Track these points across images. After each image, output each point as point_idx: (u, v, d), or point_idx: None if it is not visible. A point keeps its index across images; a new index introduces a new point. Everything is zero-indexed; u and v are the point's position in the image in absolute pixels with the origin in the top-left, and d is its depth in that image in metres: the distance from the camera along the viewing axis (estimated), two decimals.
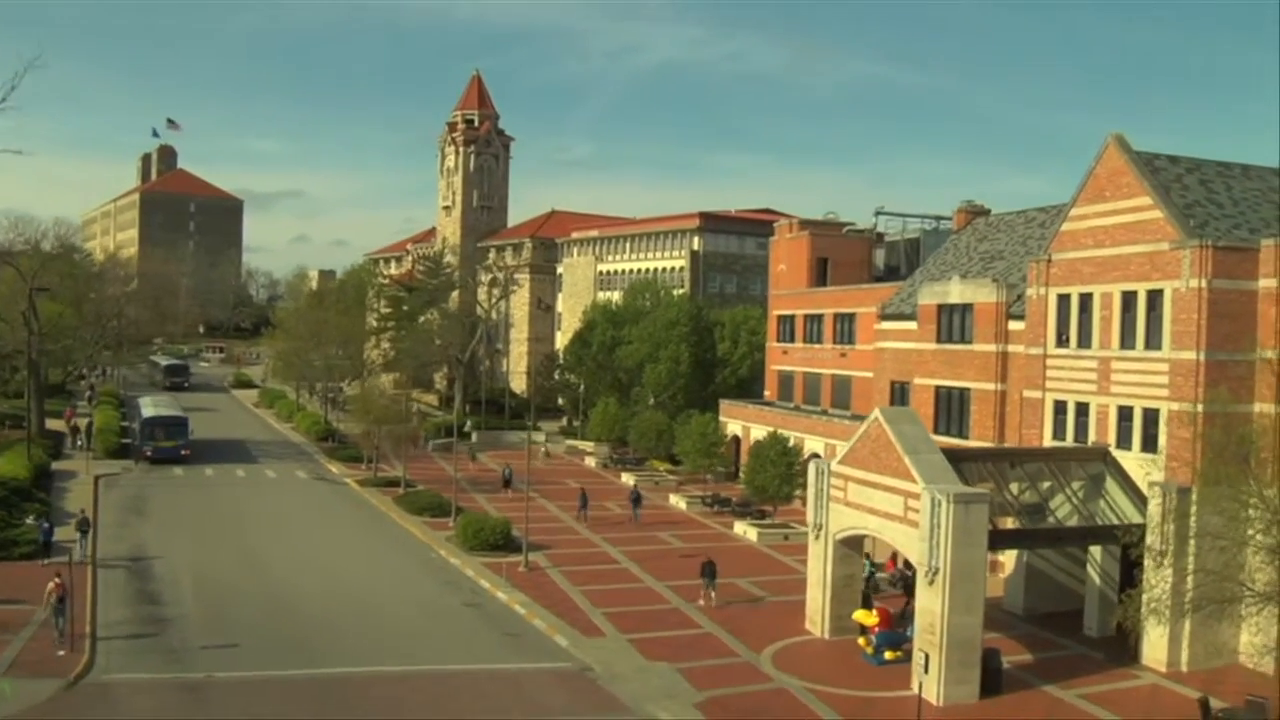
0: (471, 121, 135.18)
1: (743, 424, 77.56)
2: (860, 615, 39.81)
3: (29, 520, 49.62)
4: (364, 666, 36.48)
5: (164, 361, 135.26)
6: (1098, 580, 42.09)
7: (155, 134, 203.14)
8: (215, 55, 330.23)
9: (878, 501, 38.32)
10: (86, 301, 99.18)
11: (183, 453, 76.71)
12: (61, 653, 35.57)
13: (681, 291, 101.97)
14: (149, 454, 76.02)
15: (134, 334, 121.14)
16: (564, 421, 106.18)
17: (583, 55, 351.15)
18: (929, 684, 33.84)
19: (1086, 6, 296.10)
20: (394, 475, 72.27)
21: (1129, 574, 39.11)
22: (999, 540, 38.02)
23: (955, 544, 34.28)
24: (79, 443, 79.42)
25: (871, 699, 34.77)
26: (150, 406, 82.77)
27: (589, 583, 48.37)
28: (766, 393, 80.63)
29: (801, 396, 75.46)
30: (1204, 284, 37.95)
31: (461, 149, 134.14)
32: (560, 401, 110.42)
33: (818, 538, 42.17)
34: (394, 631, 40.89)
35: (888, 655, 38.33)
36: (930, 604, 34.92)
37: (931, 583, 34.90)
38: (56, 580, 37.25)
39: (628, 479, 77.54)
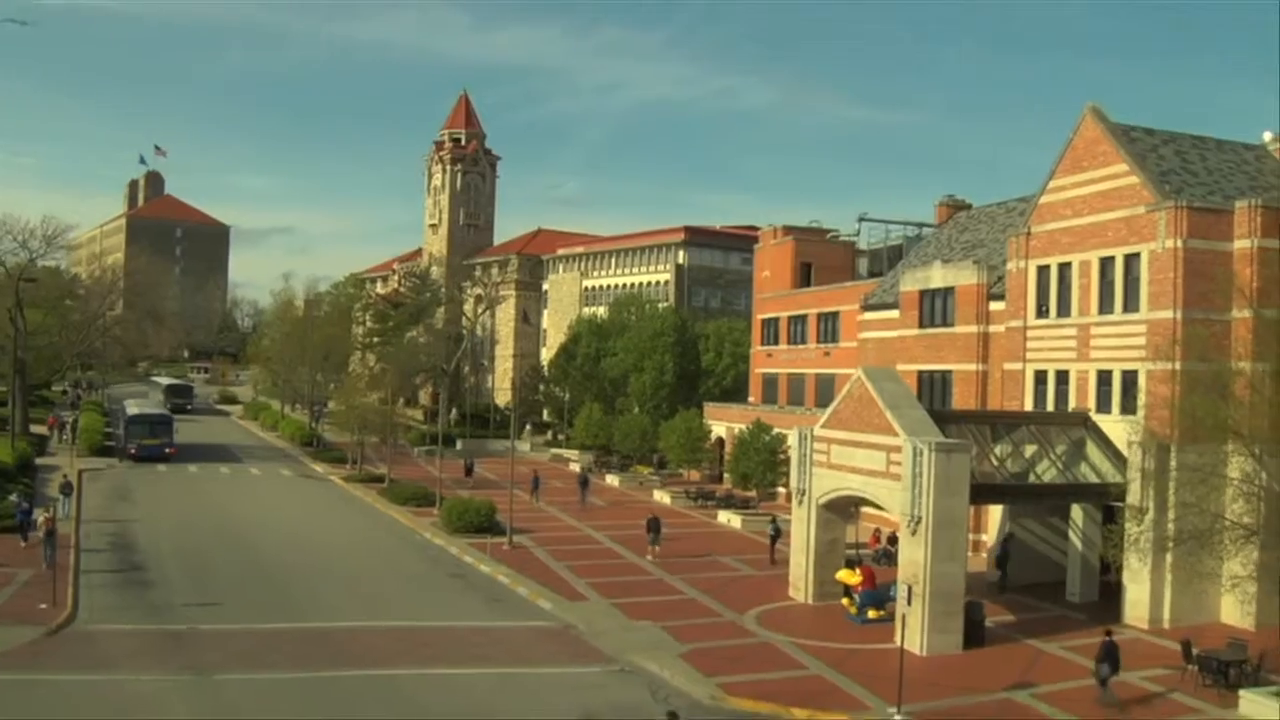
0: (459, 140, 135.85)
1: (727, 425, 77.59)
2: (844, 575, 39.87)
3: (11, 499, 49.63)
4: (345, 622, 36.58)
5: (165, 381, 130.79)
6: (1079, 545, 42.25)
7: (143, 160, 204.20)
8: (204, 92, 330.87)
9: (860, 460, 38.51)
10: (69, 309, 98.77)
11: (167, 451, 76.55)
12: (44, 605, 35.52)
13: (666, 305, 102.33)
14: (133, 452, 75.83)
15: (119, 354, 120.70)
16: (548, 435, 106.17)
17: (573, 92, 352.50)
18: (911, 634, 33.85)
19: (1073, 47, 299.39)
20: (379, 472, 72.26)
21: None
22: (981, 494, 38.17)
23: (937, 492, 34.45)
24: (64, 438, 79.21)
25: (855, 650, 34.85)
26: (135, 406, 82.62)
27: (573, 559, 48.42)
28: (751, 398, 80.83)
29: (786, 398, 75.65)
30: (1179, 244, 38.43)
31: (449, 167, 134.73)
32: (545, 415, 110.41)
33: (801, 503, 42.29)
34: (376, 595, 40.97)
35: (871, 614, 38.42)
36: (913, 554, 35.04)
37: (914, 533, 35.04)
38: (46, 515, 38.34)
39: (611, 480, 77.55)
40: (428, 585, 43.44)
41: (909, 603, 30.77)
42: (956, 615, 34.95)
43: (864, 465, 38.22)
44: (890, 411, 36.94)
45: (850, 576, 39.54)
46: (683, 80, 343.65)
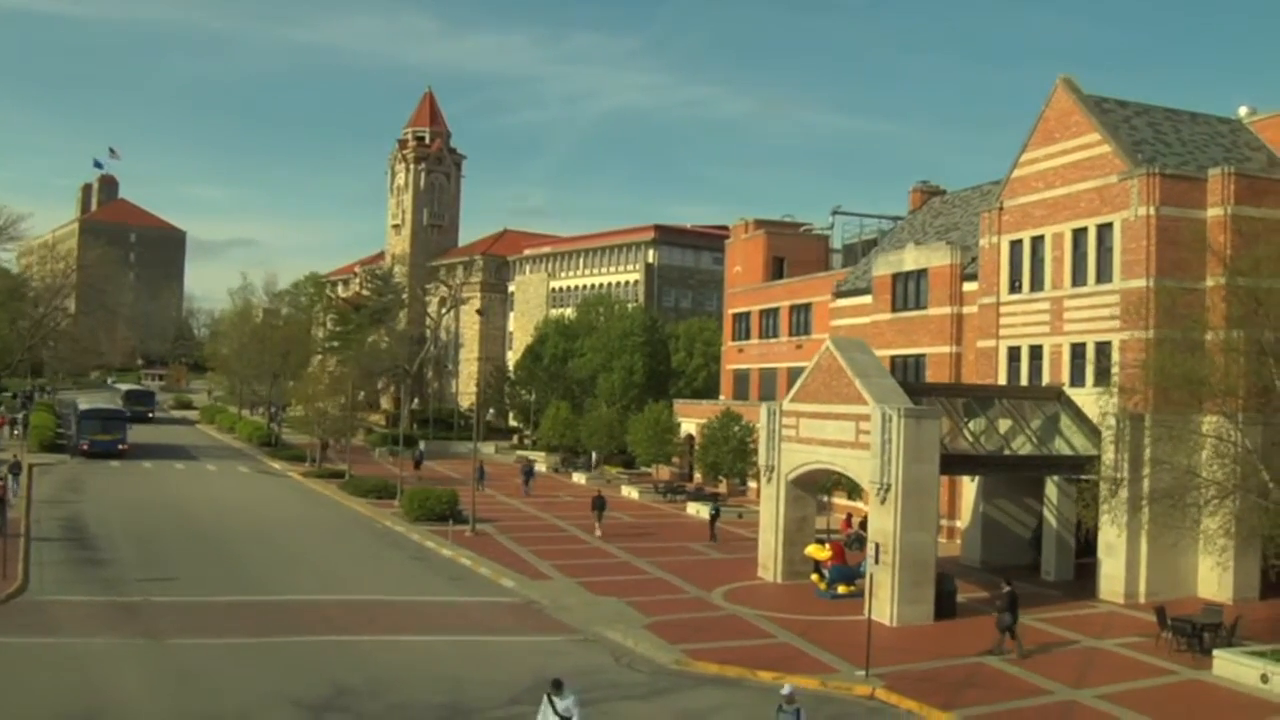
0: (423, 138, 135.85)
1: (697, 422, 77.66)
2: (813, 550, 40.02)
3: None
4: (303, 595, 36.60)
5: (124, 387, 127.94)
6: (1054, 523, 42.56)
7: (97, 164, 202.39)
8: (157, 100, 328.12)
9: (830, 432, 38.69)
10: (18, 309, 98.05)
11: (120, 447, 76.18)
12: None
13: (635, 305, 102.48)
14: (85, 448, 75.46)
15: (71, 359, 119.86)
16: (514, 440, 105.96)
17: (540, 102, 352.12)
18: (881, 605, 34.07)
19: (1047, 55, 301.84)
20: (339, 469, 72.21)
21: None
22: (953, 464, 38.42)
23: (906, 459, 34.69)
24: (14, 433, 78.75)
25: (824, 621, 35.03)
26: (87, 401, 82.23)
27: (537, 544, 48.55)
28: (722, 395, 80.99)
29: (758, 393, 75.73)
30: (1152, 211, 38.89)
31: (412, 166, 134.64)
32: (510, 419, 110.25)
33: (770, 480, 42.44)
34: (335, 574, 41.02)
35: (841, 590, 38.58)
36: (882, 523, 35.22)
37: (883, 501, 35.24)
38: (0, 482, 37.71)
39: (578, 478, 77.61)
40: (388, 566, 43.45)
41: (876, 560, 30.84)
42: (927, 585, 35.16)
43: (833, 437, 38.41)
44: (859, 380, 37.15)
45: (819, 551, 39.70)
46: (654, 89, 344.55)
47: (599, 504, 53.17)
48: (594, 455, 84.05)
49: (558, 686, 20.26)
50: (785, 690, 21.20)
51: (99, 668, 27.18)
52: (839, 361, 38.39)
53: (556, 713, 19.92)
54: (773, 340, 74.72)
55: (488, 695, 26.00)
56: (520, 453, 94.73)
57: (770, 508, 42.36)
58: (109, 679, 26.27)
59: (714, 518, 52.40)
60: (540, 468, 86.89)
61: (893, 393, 36.82)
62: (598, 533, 51.65)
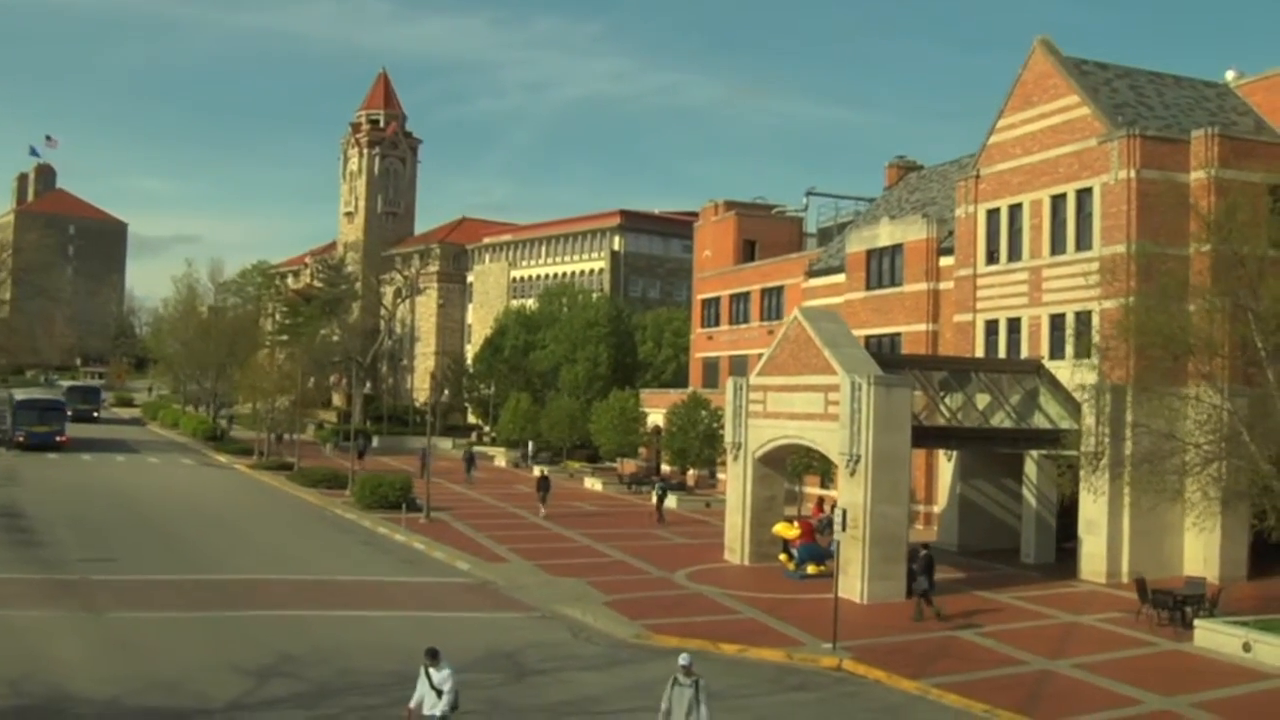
0: (377, 122, 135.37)
1: (665, 412, 77.74)
2: (781, 528, 40.12)
3: None
4: (249, 575, 36.78)
5: (67, 384, 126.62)
6: (1034, 503, 42.80)
7: (34, 152, 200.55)
8: (96, 89, 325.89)
9: (798, 405, 38.85)
10: None
11: (58, 439, 76.02)
12: None
13: (600, 295, 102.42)
14: (21, 440, 75.17)
15: (7, 352, 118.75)
16: (472, 437, 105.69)
17: (500, 91, 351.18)
18: (851, 581, 34.20)
19: (1032, 38, 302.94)
20: (286, 461, 72.10)
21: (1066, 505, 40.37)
22: (926, 437, 38.64)
23: (877, 429, 34.83)
24: None
25: (791, 599, 35.17)
26: (23, 392, 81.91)
27: (494, 530, 48.71)
28: (691, 385, 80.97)
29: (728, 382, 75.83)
30: (1132, 174, 39.25)
31: (365, 150, 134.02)
32: (470, 416, 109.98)
33: (736, 458, 42.57)
34: (282, 555, 41.28)
35: (810, 570, 38.68)
36: (852, 495, 35.31)
37: (853, 473, 35.37)
38: None
39: (539, 471, 77.52)
40: (337, 549, 43.56)
41: (844, 527, 30.94)
42: (899, 562, 35.27)
43: (802, 410, 38.55)
44: (829, 350, 37.28)
45: (788, 530, 39.80)
46: (619, 76, 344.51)
47: (543, 485, 55.29)
48: (529, 445, 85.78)
49: (433, 656, 18.84)
50: (683, 660, 19.59)
51: (37, 639, 27.21)
52: (808, 331, 38.52)
53: (433, 686, 18.62)
54: (743, 326, 74.80)
55: None
56: (479, 449, 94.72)
57: (737, 487, 42.47)
58: (48, 648, 26.31)
59: (661, 498, 53.97)
60: (500, 463, 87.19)
61: (863, 362, 36.98)
62: (542, 513, 53.44)
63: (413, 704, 18.76)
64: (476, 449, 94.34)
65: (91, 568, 36.33)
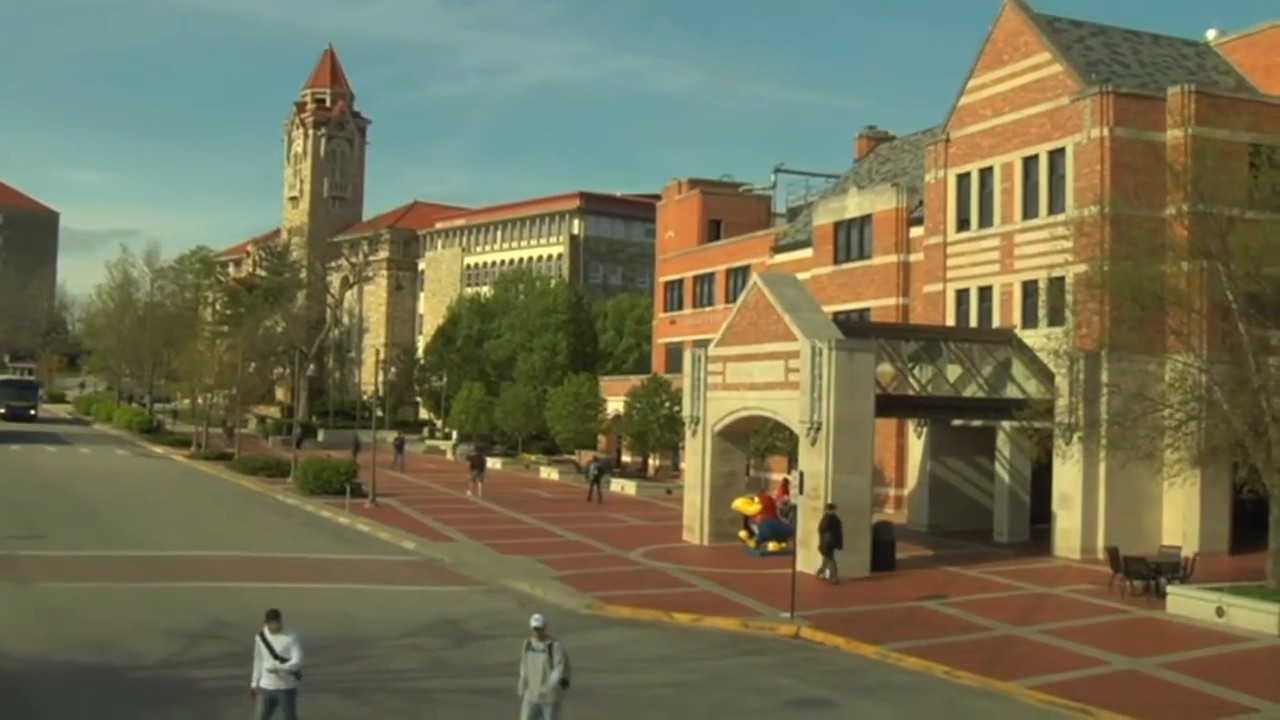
0: (323, 101, 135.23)
1: (625, 400, 78.04)
2: (741, 503, 40.38)
3: None
4: (185, 551, 37.16)
5: (2, 378, 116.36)
6: (1007, 480, 43.25)
7: None
8: (30, 74, 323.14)
9: (758, 374, 39.21)
10: None
11: (31, 412, 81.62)
12: None
13: (559, 281, 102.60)
14: (3, 412, 79.38)
15: None
16: (423, 434, 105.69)
17: (456, 74, 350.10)
18: (812, 555, 34.48)
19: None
20: (226, 450, 72.21)
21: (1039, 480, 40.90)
22: (892, 405, 39.08)
23: (838, 395, 35.17)
24: None
25: (750, 574, 35.51)
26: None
27: (442, 514, 49.06)
28: (654, 372, 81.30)
29: None
30: (1106, 133, 39.74)
31: (311, 131, 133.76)
32: (421, 411, 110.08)
33: (695, 433, 42.89)
34: (220, 535, 41.65)
35: (771, 547, 38.97)
36: (813, 465, 35.58)
37: (814, 442, 35.72)
38: None
39: (493, 464, 77.75)
40: (278, 530, 44.17)
41: (801, 491, 31.22)
42: (863, 534, 35.63)
43: (762, 379, 38.91)
44: (789, 315, 37.60)
45: (748, 505, 40.08)
46: (581, 60, 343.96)
47: (479, 464, 57.70)
48: (454, 433, 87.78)
49: (273, 617, 16.66)
50: (535, 621, 17.12)
51: None
52: (768, 298, 38.87)
53: (274, 654, 16.36)
54: (707, 309, 75.04)
55: (381, 631, 26.67)
56: (430, 443, 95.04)
57: (696, 463, 42.78)
58: None
59: (596, 478, 55.17)
60: (450, 457, 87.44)
61: (824, 326, 37.42)
62: (479, 492, 55.66)
63: (254, 682, 16.60)
64: (429, 443, 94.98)
65: (20, 544, 36.55)
